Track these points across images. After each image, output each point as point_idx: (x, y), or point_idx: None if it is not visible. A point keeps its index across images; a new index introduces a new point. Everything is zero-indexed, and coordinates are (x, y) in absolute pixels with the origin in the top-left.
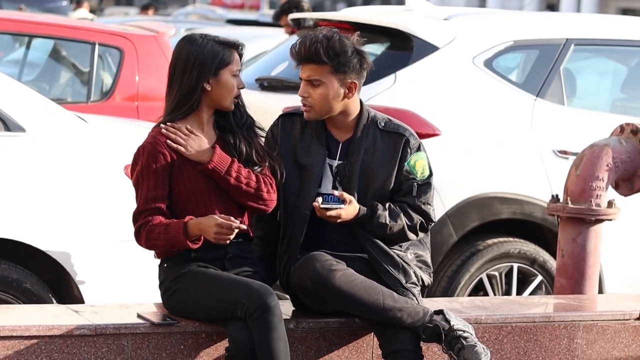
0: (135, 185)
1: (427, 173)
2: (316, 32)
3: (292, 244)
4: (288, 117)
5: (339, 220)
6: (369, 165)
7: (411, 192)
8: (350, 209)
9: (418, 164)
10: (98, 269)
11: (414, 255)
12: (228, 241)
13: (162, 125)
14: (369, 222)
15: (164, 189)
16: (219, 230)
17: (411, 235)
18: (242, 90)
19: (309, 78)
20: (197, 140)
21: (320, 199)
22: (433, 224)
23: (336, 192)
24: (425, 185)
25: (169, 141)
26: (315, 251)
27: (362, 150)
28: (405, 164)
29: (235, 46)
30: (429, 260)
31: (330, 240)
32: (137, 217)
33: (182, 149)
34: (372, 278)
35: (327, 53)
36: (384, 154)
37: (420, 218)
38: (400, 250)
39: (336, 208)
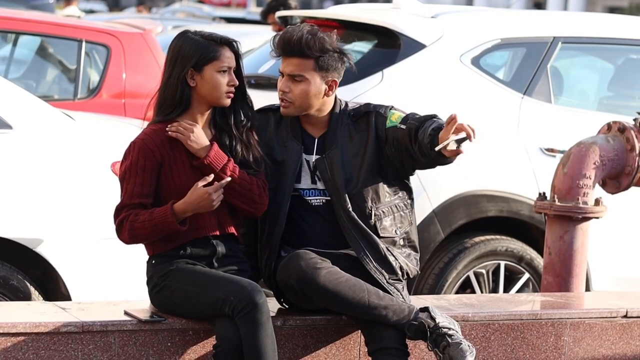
0: (122, 179)
1: (403, 114)
2: (299, 26)
3: (271, 240)
4: (262, 114)
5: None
6: (350, 156)
7: (405, 131)
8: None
9: (394, 117)
10: (85, 266)
11: (406, 240)
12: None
13: (154, 124)
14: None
15: (150, 187)
16: (216, 197)
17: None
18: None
19: (292, 73)
20: (197, 132)
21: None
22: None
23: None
24: (406, 115)
25: (169, 129)
26: (300, 248)
27: (340, 143)
28: (386, 127)
29: (225, 43)
30: (416, 242)
31: (315, 236)
32: (119, 211)
33: (182, 136)
34: (356, 275)
35: (314, 47)
36: (363, 140)
37: (428, 117)
38: (396, 236)
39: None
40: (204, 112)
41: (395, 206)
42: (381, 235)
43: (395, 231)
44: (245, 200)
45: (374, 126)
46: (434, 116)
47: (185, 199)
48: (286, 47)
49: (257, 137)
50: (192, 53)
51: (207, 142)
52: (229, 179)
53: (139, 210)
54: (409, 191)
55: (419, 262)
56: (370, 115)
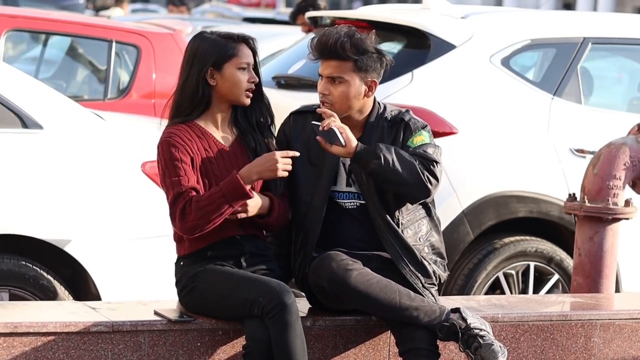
0: (163, 178)
1: (426, 141)
2: (336, 28)
3: (307, 243)
4: (300, 115)
5: (340, 131)
6: None
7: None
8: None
9: (417, 139)
10: (115, 266)
11: (430, 248)
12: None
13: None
14: (371, 153)
15: (193, 176)
16: (284, 161)
17: (422, 177)
18: None
19: (331, 75)
20: (255, 201)
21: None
22: (438, 164)
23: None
24: (424, 144)
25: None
26: (331, 249)
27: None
28: (408, 143)
29: (242, 39)
30: (443, 251)
31: (347, 238)
32: (175, 202)
33: (243, 214)
34: (388, 276)
35: (352, 49)
36: (391, 144)
37: (420, 158)
38: (420, 244)
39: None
40: (224, 112)
41: (418, 213)
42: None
43: (419, 238)
44: (276, 227)
45: (401, 137)
46: (425, 161)
47: (252, 163)
48: (324, 50)
49: (288, 140)
50: (211, 52)
51: (265, 203)
52: (297, 153)
53: (196, 194)
54: (431, 201)
55: (446, 269)
56: (401, 125)
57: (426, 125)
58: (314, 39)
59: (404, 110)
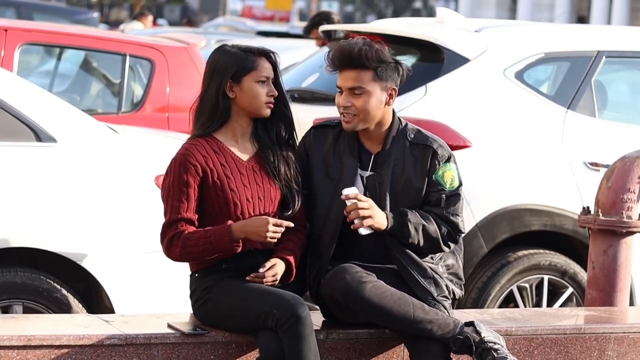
0: (165, 197)
1: (456, 184)
2: (354, 40)
3: (322, 256)
4: (321, 129)
5: (369, 225)
6: (399, 177)
7: (439, 203)
8: (379, 215)
9: (447, 175)
10: (128, 279)
11: (445, 268)
12: (275, 240)
13: (193, 138)
14: (399, 230)
15: (194, 202)
16: (274, 229)
17: (442, 246)
18: None
19: (353, 86)
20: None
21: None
22: (462, 234)
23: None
24: (455, 196)
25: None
26: (345, 262)
27: (392, 162)
28: (434, 175)
29: (262, 53)
30: (460, 272)
31: (361, 251)
32: (167, 228)
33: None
34: (402, 290)
35: (375, 56)
36: (413, 167)
37: (448, 227)
38: (432, 263)
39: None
40: (244, 125)
41: None
42: (423, 260)
43: (432, 257)
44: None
45: (428, 163)
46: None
47: (245, 221)
48: (344, 59)
49: (308, 153)
50: (230, 65)
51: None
52: (291, 224)
53: (190, 227)
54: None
55: (462, 288)
56: (428, 150)
57: (451, 155)
58: (330, 51)
59: (425, 132)
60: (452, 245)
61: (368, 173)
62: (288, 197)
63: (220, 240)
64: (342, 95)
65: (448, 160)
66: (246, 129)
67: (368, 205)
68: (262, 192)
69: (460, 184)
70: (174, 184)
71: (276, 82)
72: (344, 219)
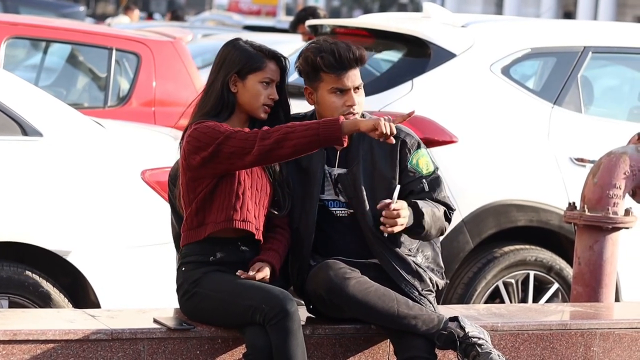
0: (218, 139)
1: (432, 167)
2: (338, 41)
3: (303, 249)
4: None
5: (399, 226)
6: (371, 172)
7: (424, 189)
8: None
9: (421, 161)
10: (114, 273)
11: (424, 258)
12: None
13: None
14: (418, 224)
15: None
16: (387, 125)
17: (445, 226)
18: None
19: (359, 84)
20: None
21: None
22: (454, 211)
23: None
24: (435, 179)
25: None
26: (326, 255)
27: (361, 158)
28: (408, 164)
29: (273, 56)
30: (439, 260)
31: (343, 246)
32: (245, 137)
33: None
34: (387, 285)
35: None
36: (383, 159)
37: (443, 207)
38: (411, 255)
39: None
40: (242, 123)
41: None
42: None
43: (410, 249)
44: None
45: (398, 153)
46: (444, 207)
47: (353, 120)
48: (354, 59)
49: None
50: (239, 60)
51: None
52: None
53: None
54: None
55: (444, 276)
56: (396, 141)
57: (419, 141)
58: (330, 53)
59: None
60: (447, 224)
61: (336, 170)
62: (279, 197)
63: (331, 127)
64: (348, 94)
65: (418, 147)
66: (243, 127)
67: (405, 213)
68: (259, 184)
69: (437, 167)
70: (209, 127)
71: (281, 87)
72: (321, 213)
